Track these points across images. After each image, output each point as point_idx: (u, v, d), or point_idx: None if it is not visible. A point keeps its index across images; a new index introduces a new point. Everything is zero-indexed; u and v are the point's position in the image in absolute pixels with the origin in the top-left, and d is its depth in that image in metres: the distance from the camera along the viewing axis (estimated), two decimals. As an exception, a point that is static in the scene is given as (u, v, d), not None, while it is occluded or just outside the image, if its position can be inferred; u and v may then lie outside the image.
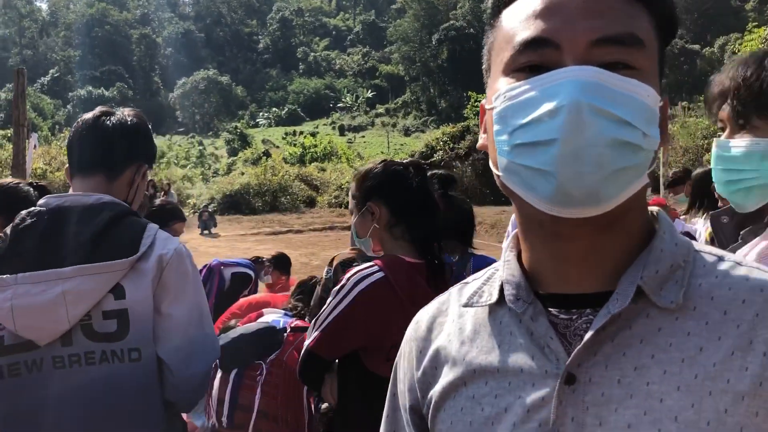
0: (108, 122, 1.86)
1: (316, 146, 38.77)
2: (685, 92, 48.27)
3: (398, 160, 2.28)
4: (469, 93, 29.26)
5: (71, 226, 1.69)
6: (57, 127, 61.53)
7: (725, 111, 1.49)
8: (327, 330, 2.00)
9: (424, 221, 2.15)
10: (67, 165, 1.89)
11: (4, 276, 1.63)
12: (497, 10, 0.84)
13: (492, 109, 0.80)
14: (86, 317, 1.65)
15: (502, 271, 0.88)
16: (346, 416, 2.11)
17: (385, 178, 2.17)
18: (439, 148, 26.47)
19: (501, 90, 0.78)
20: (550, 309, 0.80)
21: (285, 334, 3.18)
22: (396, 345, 1.96)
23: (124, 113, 1.91)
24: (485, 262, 2.94)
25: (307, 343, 2.06)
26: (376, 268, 2.01)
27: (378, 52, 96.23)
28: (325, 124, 74.35)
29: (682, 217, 5.41)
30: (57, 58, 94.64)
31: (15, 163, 7.13)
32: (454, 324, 0.91)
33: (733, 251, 1.50)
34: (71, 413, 1.65)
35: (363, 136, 64.86)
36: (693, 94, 41.68)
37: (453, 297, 0.95)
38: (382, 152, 38.87)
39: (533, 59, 0.76)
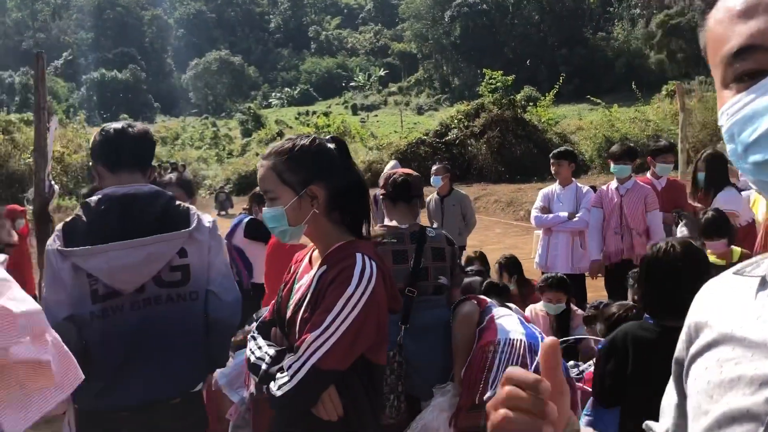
0: (134, 132, 2.48)
1: (329, 126, 38.59)
2: (702, 66, 47.51)
3: (321, 137, 2.11)
4: (484, 70, 29.01)
5: (139, 207, 2.33)
6: (72, 110, 61.69)
7: None
8: (342, 340, 1.85)
9: (359, 203, 2.06)
10: (98, 162, 2.48)
11: (98, 246, 2.23)
12: (702, 13, 0.82)
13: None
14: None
15: None
16: (357, 414, 1.97)
17: (325, 157, 2.01)
18: (453, 126, 26.32)
19: (723, 108, 0.75)
20: None
21: None
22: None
23: (138, 126, 2.55)
24: None
25: (309, 361, 1.85)
26: (368, 259, 1.92)
27: (390, 30, 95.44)
28: (337, 104, 74.05)
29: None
30: (69, 41, 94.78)
31: (37, 146, 7.18)
32: (724, 288, 0.91)
33: None
34: (146, 341, 2.28)
35: (376, 116, 64.53)
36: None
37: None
38: (396, 131, 38.69)
39: (746, 67, 0.72)
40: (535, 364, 2.79)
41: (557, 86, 28.24)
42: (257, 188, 5.94)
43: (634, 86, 27.50)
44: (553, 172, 6.09)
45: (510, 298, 4.43)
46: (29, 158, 17.88)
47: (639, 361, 2.22)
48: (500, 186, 22.57)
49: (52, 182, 7.00)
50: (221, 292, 2.42)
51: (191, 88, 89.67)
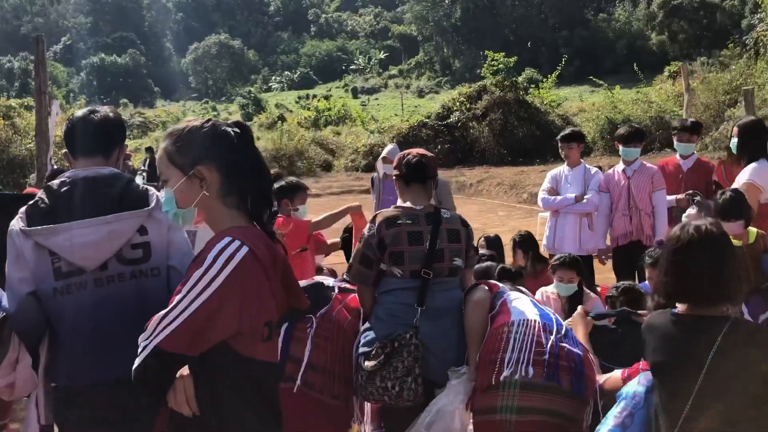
0: (95, 118, 2.57)
1: (329, 109, 38.51)
2: (704, 47, 47.26)
3: (222, 121, 2.08)
4: (486, 52, 28.82)
5: (99, 189, 2.42)
6: (72, 95, 61.48)
7: None
8: (190, 322, 1.76)
9: (258, 187, 2.00)
10: (65, 150, 2.62)
11: (60, 224, 2.32)
12: None
13: None
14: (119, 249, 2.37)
15: None
16: (216, 414, 1.85)
17: (218, 139, 1.96)
18: (455, 108, 26.17)
19: None
20: None
21: (333, 293, 3.23)
22: (270, 322, 1.93)
23: (105, 110, 2.63)
24: None
25: (154, 340, 1.77)
26: (238, 242, 1.84)
27: (390, 12, 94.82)
28: (338, 87, 73.70)
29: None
30: (68, 25, 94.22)
31: (39, 130, 7.20)
32: None
33: None
34: (115, 318, 2.33)
35: (377, 98, 64.27)
36: (712, 48, 40.71)
37: None
38: (396, 114, 38.52)
39: None
40: (550, 343, 2.77)
41: (559, 68, 28.09)
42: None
43: (636, 67, 27.34)
44: (563, 155, 5.99)
45: (523, 281, 4.40)
46: (30, 143, 17.79)
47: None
48: (503, 169, 22.51)
49: (55, 166, 6.97)
50: (182, 267, 2.42)
51: (191, 72, 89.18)
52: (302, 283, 3.36)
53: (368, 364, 2.94)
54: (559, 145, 6.00)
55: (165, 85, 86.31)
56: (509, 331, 2.84)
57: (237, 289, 1.79)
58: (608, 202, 5.74)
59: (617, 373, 2.64)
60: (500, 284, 3.33)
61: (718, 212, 4.16)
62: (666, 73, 30.26)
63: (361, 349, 3.05)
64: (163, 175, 2.02)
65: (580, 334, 3.00)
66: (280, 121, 33.03)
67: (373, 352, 2.97)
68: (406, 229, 3.13)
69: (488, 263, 4.71)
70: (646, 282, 4.19)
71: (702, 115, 19.05)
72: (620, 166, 5.79)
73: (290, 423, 3.02)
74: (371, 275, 3.17)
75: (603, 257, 5.91)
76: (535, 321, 2.88)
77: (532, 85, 29.64)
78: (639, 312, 3.18)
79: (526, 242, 5.50)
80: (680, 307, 2.20)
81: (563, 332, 2.87)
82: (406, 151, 3.47)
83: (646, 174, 5.62)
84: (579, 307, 3.25)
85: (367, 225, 3.23)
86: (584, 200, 5.74)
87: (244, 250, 1.82)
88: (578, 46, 53.93)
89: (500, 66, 27.31)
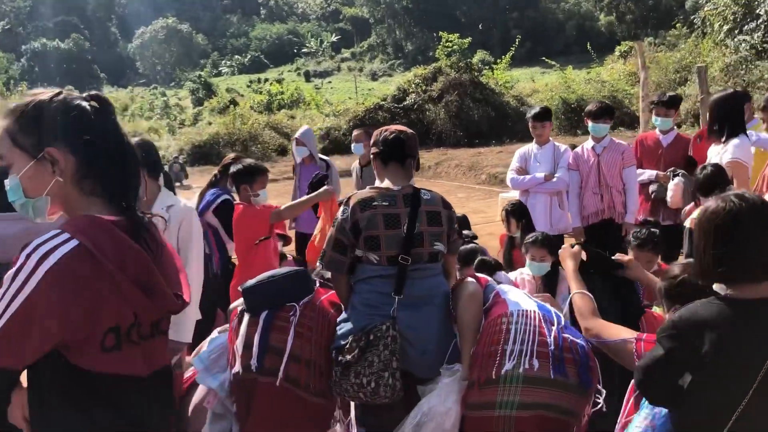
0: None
1: (282, 93, 38.04)
2: (651, 28, 48.09)
3: (77, 94, 1.73)
4: (440, 33, 28.74)
5: None
6: (12, 81, 59.34)
7: None
8: (5, 332, 1.49)
9: (121, 170, 1.70)
10: None
11: None
12: None
13: None
14: None
15: None
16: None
17: (71, 115, 1.65)
18: (411, 90, 26.06)
19: None
20: None
21: (316, 287, 3.07)
22: (114, 328, 1.59)
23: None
24: None
25: None
26: (65, 235, 1.55)
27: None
28: (290, 71, 72.91)
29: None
30: (6, 9, 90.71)
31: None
32: None
33: None
34: None
35: (330, 82, 63.82)
36: (658, 29, 41.44)
37: None
38: (350, 98, 38.24)
39: None
40: (553, 334, 2.62)
41: (513, 48, 28.20)
42: (229, 157, 5.57)
43: (589, 47, 27.63)
44: (534, 134, 5.83)
45: (505, 269, 4.30)
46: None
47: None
48: (460, 150, 22.53)
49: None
50: None
51: (138, 57, 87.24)
52: (283, 269, 3.17)
53: (341, 358, 2.75)
54: (531, 123, 5.84)
55: (112, 70, 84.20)
56: (508, 322, 2.64)
57: (53, 292, 1.50)
58: (577, 180, 5.65)
59: (626, 334, 2.31)
60: (488, 278, 3.16)
61: (697, 187, 4.12)
62: (617, 53, 30.67)
63: (336, 342, 2.83)
64: (4, 159, 1.68)
65: (569, 269, 2.76)
66: (232, 106, 32.39)
67: (347, 345, 2.75)
68: (382, 212, 2.87)
69: (472, 245, 4.59)
70: None
71: (654, 94, 19.30)
72: (589, 143, 5.68)
73: (269, 422, 2.83)
74: (345, 262, 2.92)
75: (577, 237, 5.77)
76: (534, 311, 2.70)
77: (486, 67, 29.69)
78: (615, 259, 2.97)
79: (518, 211, 5.40)
80: (729, 291, 1.91)
81: (563, 323, 2.69)
82: (385, 128, 3.21)
83: (615, 151, 5.53)
84: (566, 243, 3.06)
85: (341, 208, 2.98)
86: (554, 179, 5.68)
87: (70, 245, 1.53)
88: (529, 27, 54.41)
89: (454, 47, 27.25)
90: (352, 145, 6.73)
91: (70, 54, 79.42)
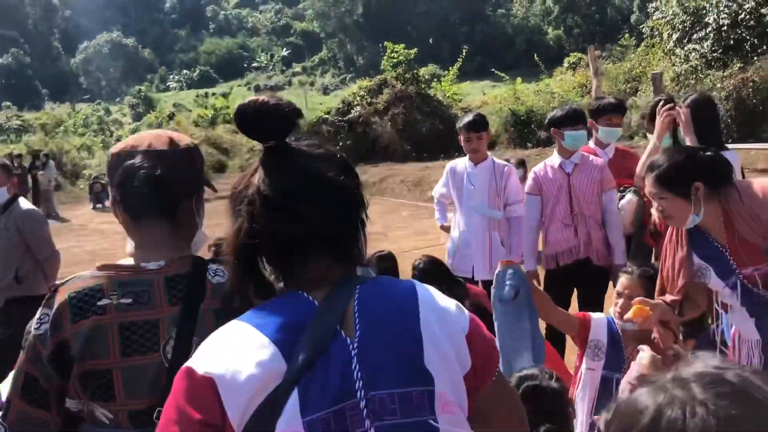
0: None
1: (228, 107, 36.82)
2: (598, 41, 48.46)
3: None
4: (385, 44, 27.88)
5: None
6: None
7: None
8: None
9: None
10: None
11: None
12: None
13: None
14: None
15: None
16: None
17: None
18: (356, 103, 25.05)
19: None
20: None
21: None
22: None
23: None
24: None
25: None
26: None
27: (291, 9, 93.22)
28: (239, 85, 71.59)
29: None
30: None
31: None
32: None
33: None
34: None
35: (280, 97, 62.89)
36: (605, 42, 41.67)
37: None
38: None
39: None
40: None
41: (460, 59, 27.47)
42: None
43: (536, 58, 27.18)
44: (470, 149, 4.63)
45: None
46: None
47: None
48: (407, 165, 21.63)
49: None
50: None
51: (81, 72, 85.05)
52: None
53: None
54: (464, 135, 4.64)
55: (54, 86, 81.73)
56: None
57: None
58: (538, 208, 4.45)
59: None
60: None
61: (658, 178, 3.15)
62: (566, 65, 30.32)
63: None
64: None
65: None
66: (171, 120, 30.89)
67: None
68: (118, 319, 1.49)
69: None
70: (612, 315, 3.06)
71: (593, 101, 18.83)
72: (554, 160, 4.43)
73: None
74: (49, 422, 1.52)
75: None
76: None
77: (435, 80, 29.00)
78: None
79: (431, 273, 4.20)
80: None
81: None
82: (124, 147, 1.66)
83: (590, 169, 4.29)
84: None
85: (39, 311, 1.55)
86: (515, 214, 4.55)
87: None
88: (479, 41, 54.68)
89: (400, 58, 26.34)
90: None
91: (9, 69, 77.17)
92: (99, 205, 18.02)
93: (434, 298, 1.32)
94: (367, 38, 64.05)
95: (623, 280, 3.01)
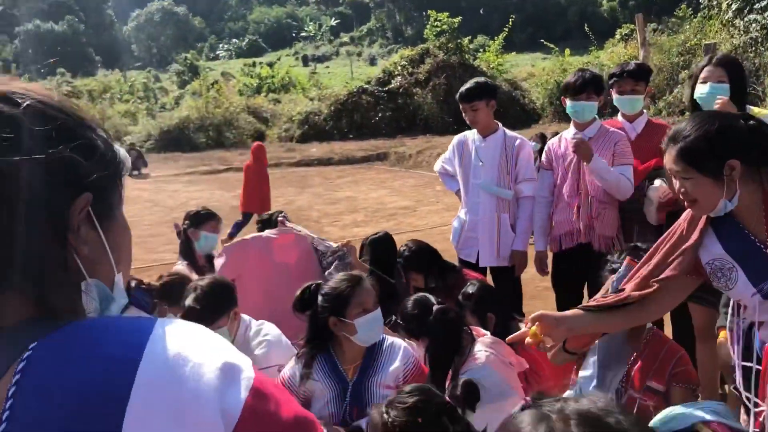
0: None
1: (273, 77, 36.75)
2: (654, 13, 46.67)
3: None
4: (428, 12, 27.14)
5: None
6: (3, 64, 58.26)
7: None
8: None
9: None
10: None
11: None
12: None
13: None
14: None
15: None
16: None
17: None
18: (397, 73, 24.50)
19: None
20: None
21: None
22: None
23: None
24: None
25: None
26: None
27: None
28: (287, 55, 71.61)
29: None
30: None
31: None
32: None
33: None
34: None
35: (327, 66, 62.52)
36: (661, 15, 40.01)
37: None
38: (347, 83, 36.86)
39: None
40: None
41: (506, 29, 26.53)
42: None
43: (587, 29, 26.15)
44: (468, 120, 4.13)
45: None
46: None
47: None
48: (446, 138, 21.01)
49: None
50: None
51: (133, 40, 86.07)
52: None
53: None
54: (460, 106, 4.17)
55: (107, 53, 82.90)
56: None
57: None
58: (550, 184, 4.00)
59: None
60: None
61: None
62: (618, 37, 29.11)
63: None
64: None
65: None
66: (213, 87, 30.88)
67: None
68: None
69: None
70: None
71: (655, 78, 17.94)
72: (569, 132, 3.96)
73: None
74: None
75: (542, 268, 4.12)
76: None
77: (481, 51, 28.22)
78: None
79: (416, 260, 3.73)
80: None
81: None
82: None
83: (606, 142, 3.77)
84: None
85: None
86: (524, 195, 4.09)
87: None
88: (530, 12, 53.28)
89: (444, 27, 25.54)
90: None
91: (65, 36, 78.20)
92: (135, 172, 18.03)
93: (183, 367, 0.76)
94: (416, 8, 63.10)
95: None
